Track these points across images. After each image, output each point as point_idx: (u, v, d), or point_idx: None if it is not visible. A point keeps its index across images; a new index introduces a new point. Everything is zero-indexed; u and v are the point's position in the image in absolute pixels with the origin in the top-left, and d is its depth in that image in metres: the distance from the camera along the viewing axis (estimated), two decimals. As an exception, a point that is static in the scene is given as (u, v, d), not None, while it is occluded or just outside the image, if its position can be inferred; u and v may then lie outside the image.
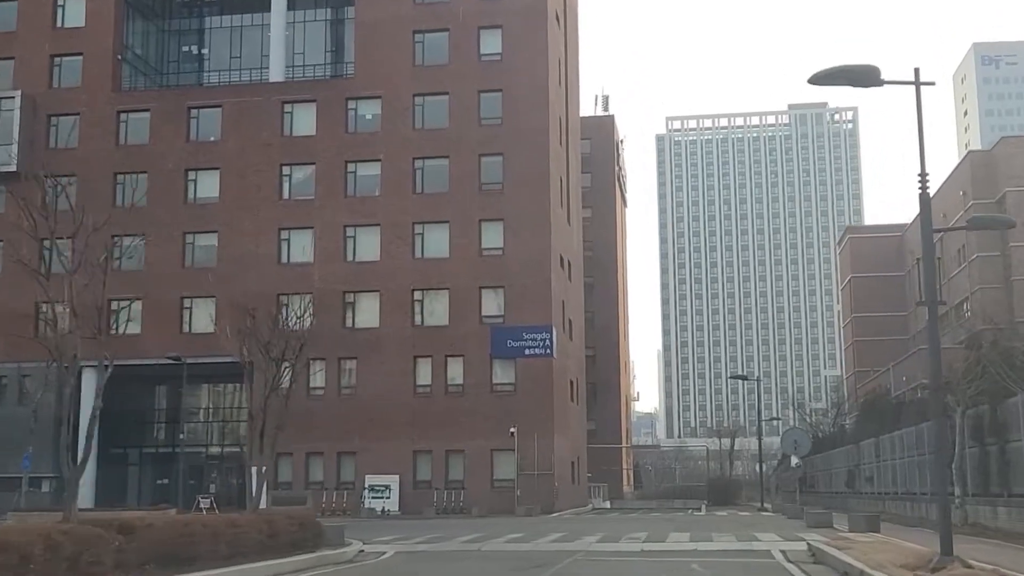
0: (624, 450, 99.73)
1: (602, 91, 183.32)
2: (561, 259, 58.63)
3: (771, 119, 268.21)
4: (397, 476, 53.06)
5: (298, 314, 35.22)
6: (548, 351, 53.51)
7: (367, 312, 55.19)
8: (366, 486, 52.78)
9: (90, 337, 20.84)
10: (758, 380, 58.20)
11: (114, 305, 39.30)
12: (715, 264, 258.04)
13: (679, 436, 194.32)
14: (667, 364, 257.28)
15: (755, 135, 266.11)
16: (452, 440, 53.27)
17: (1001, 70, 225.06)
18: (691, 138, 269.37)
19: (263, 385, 30.14)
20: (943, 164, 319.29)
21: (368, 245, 55.52)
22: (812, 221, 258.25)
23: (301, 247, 56.06)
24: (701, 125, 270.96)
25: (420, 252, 55.31)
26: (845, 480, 52.25)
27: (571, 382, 60.85)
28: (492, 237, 54.80)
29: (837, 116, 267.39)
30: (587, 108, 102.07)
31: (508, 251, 54.41)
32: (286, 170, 56.85)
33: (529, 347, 53.57)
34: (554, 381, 53.68)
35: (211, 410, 60.97)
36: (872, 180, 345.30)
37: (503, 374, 54.05)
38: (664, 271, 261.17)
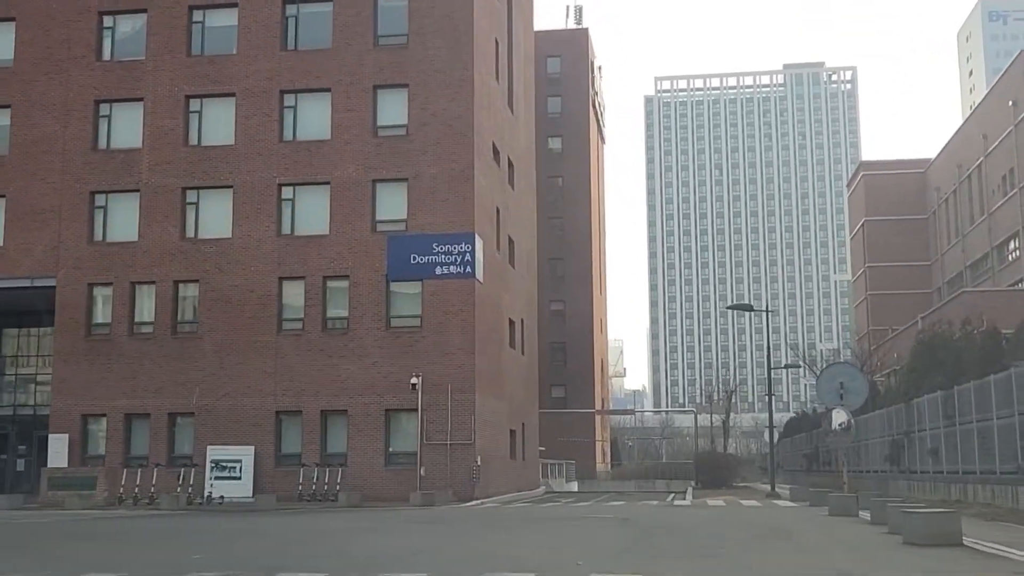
0: (597, 420, 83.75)
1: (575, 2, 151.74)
2: (495, 149, 42.51)
3: (765, 79, 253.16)
4: (251, 448, 37.06)
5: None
6: (468, 270, 37.45)
7: (215, 216, 39.07)
8: (210, 462, 36.78)
9: None
10: (767, 311, 41.77)
11: None
12: (705, 232, 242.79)
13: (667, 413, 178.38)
14: (654, 337, 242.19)
15: (749, 96, 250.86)
16: (331, 396, 37.32)
17: (1009, 26, 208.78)
18: (681, 99, 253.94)
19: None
20: (946, 131, 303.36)
21: (218, 123, 39.34)
22: (808, 186, 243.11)
23: (126, 127, 39.83)
24: (692, 86, 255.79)
25: (291, 132, 39.25)
26: (887, 454, 36.52)
27: (510, 321, 44.80)
28: (392, 110, 38.69)
29: (835, 76, 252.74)
30: (557, 21, 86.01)
31: (414, 130, 38.29)
32: (107, 20, 40.49)
33: (442, 264, 37.49)
34: (477, 315, 37.61)
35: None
36: (872, 143, 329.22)
37: (404, 304, 38.05)
38: (652, 239, 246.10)
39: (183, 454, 37.86)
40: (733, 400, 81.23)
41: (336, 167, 38.47)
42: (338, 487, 35.60)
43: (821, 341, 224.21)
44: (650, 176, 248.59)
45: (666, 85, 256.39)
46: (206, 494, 35.57)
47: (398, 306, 37.95)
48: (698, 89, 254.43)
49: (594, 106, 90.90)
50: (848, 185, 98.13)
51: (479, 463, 36.68)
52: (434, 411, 36.66)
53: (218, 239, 38.74)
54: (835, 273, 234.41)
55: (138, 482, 33.65)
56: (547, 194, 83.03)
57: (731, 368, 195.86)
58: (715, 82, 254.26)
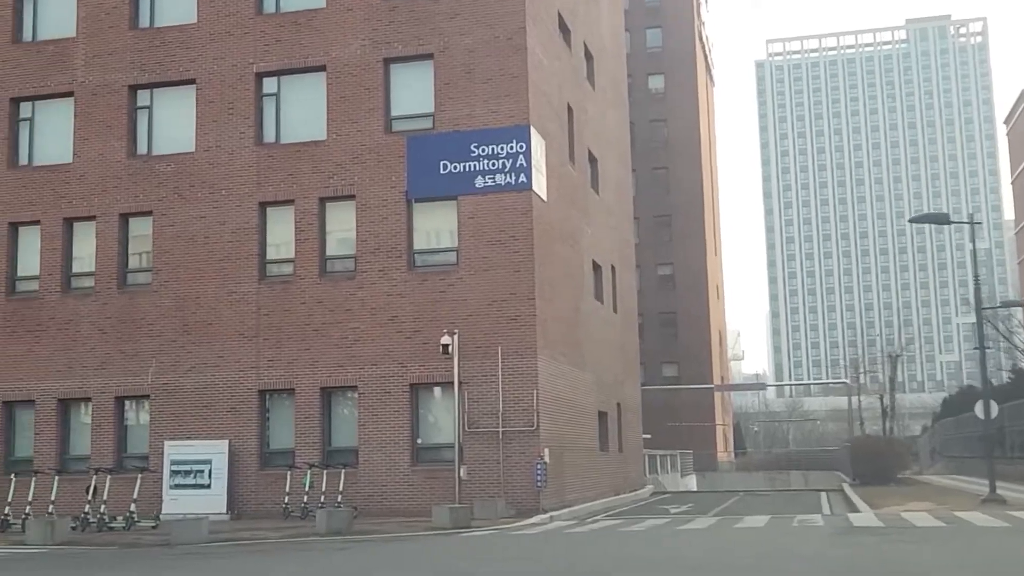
0: (718, 402, 71.24)
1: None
2: (562, 22, 30.78)
3: (885, 36, 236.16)
4: (226, 442, 26.10)
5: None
6: (522, 178, 25.84)
7: (172, 124, 28.21)
8: (170, 461, 25.99)
9: None
10: (972, 223, 29.07)
11: None
12: (826, 202, 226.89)
13: (791, 396, 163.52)
14: (775, 315, 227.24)
15: (868, 55, 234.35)
16: (334, 368, 26.13)
17: None
18: (795, 62, 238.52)
19: None
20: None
21: (175, -6, 28.47)
22: (937, 149, 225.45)
23: (56, 8, 29.26)
24: (805, 47, 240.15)
25: (272, 1, 28.11)
26: None
27: (595, 266, 33.03)
28: (410, -39, 27.25)
29: (963, 29, 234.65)
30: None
31: (441, -13, 26.82)
32: None
33: (484, 172, 25.97)
34: (538, 244, 26.03)
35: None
36: (1006, 102, 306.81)
37: (433, 232, 26.63)
38: (768, 212, 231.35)
39: (139, 453, 27.12)
40: (898, 368, 67.33)
41: (334, 45, 27.20)
42: (340, 497, 24.40)
43: (957, 315, 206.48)
44: (764, 145, 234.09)
45: (777, 48, 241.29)
46: (157, 512, 24.76)
47: (424, 236, 26.53)
48: (812, 50, 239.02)
49: (701, 39, 78.33)
50: (1006, 120, 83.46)
51: (546, 459, 25.07)
52: (479, 385, 25.20)
53: (177, 155, 27.83)
54: (969, 242, 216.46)
55: (31, 497, 22.85)
56: (649, 141, 71.04)
57: (859, 347, 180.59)
58: (830, 42, 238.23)
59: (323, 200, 26.84)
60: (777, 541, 16.44)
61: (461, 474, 24.38)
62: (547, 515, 24.02)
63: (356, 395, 26.08)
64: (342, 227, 26.85)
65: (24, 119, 29.04)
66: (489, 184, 25.91)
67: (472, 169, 26.01)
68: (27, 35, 29.37)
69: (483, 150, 26.00)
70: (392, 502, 25.09)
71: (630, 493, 34.84)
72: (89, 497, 22.41)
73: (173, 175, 27.67)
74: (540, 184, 26.54)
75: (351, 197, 26.65)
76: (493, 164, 25.93)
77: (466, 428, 24.98)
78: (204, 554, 16.78)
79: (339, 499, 24.38)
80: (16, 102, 28.95)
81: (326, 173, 26.81)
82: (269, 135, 27.56)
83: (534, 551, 16.06)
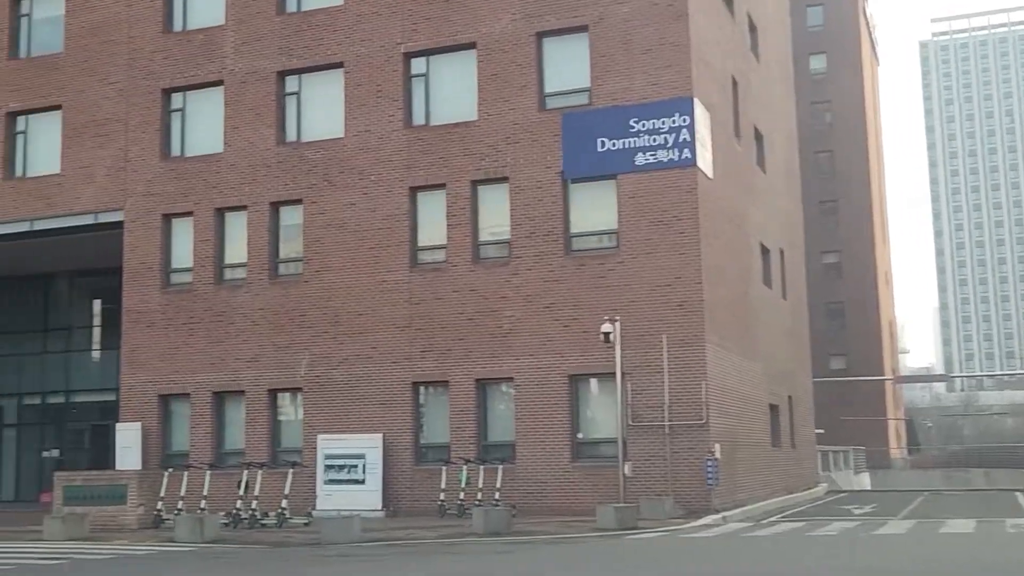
0: (889, 395, 67.57)
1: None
2: (724, -11, 28.87)
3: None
4: (379, 436, 25.15)
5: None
6: (686, 154, 24.08)
7: (321, 109, 27.50)
8: (323, 456, 25.24)
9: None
10: None
11: None
12: (997, 188, 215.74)
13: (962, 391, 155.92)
14: (943, 308, 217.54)
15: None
16: (489, 358, 24.89)
17: None
18: (961, 41, 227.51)
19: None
20: None
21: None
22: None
23: (205, -2, 28.96)
24: (972, 25, 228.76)
25: (420, -22, 27.11)
26: None
27: (763, 249, 30.95)
28: (562, -71, 25.77)
29: None
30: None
31: (596, -46, 25.26)
32: None
33: (645, 149, 24.32)
34: (703, 225, 24.23)
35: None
36: None
37: (591, 214, 25.09)
38: (935, 199, 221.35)
39: (292, 447, 26.46)
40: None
41: (483, 21, 25.95)
42: (497, 495, 23.13)
43: None
44: (930, 129, 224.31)
45: (942, 27, 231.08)
46: (311, 508, 24.02)
47: (582, 218, 25.02)
48: (980, 28, 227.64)
49: (864, 17, 74.60)
50: None
51: (717, 455, 23.25)
52: (643, 375, 23.57)
53: (326, 141, 27.06)
54: None
55: (183, 492, 22.34)
56: (811, 124, 67.82)
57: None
58: (999, 19, 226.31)
59: (475, 183, 25.63)
60: (1005, 551, 14.32)
61: (625, 471, 22.80)
62: (719, 515, 22.24)
63: (512, 387, 24.77)
64: (495, 211, 25.57)
65: (176, 110, 28.75)
66: (650, 161, 24.24)
67: (632, 146, 24.38)
68: (177, 25, 29.08)
69: (643, 125, 24.35)
70: (551, 500, 23.69)
71: (804, 492, 32.60)
72: (241, 493, 21.72)
73: (322, 162, 26.91)
74: (705, 160, 24.72)
75: (504, 179, 25.36)
76: (654, 140, 24.25)
77: (629, 422, 23.39)
78: (354, 556, 15.68)
79: (496, 497, 23.10)
80: (168, 93, 28.69)
81: (478, 155, 25.59)
82: (419, 117, 26.51)
83: (720, 557, 14.38)
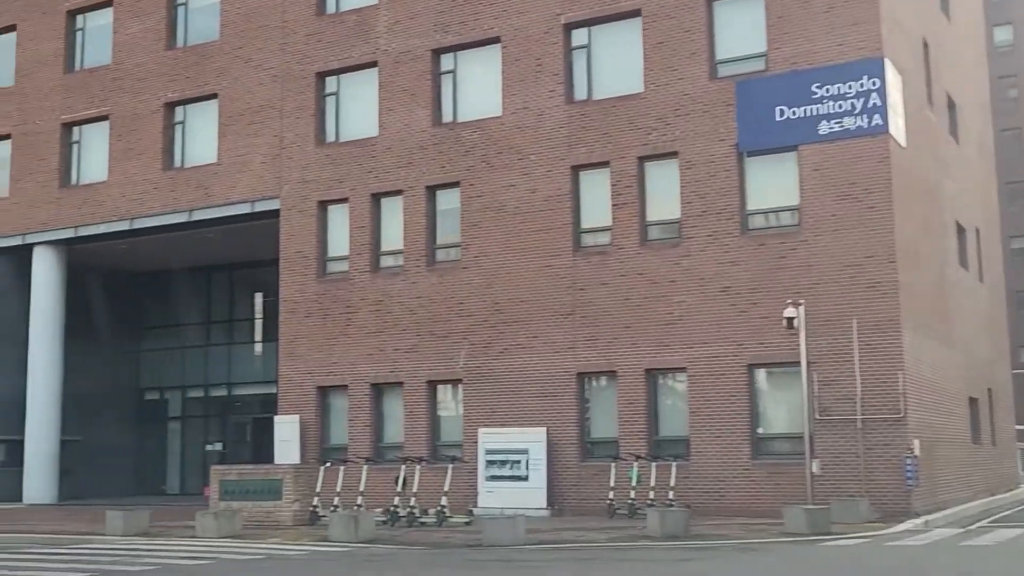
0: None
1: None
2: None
3: None
4: (543, 431, 23.67)
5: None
6: (877, 121, 21.78)
7: (477, 87, 26.23)
8: (484, 450, 23.95)
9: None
10: None
11: None
12: None
13: None
14: None
15: None
16: (659, 348, 23.12)
17: None
18: None
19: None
20: None
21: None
22: None
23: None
24: None
25: (580, -56, 25.49)
26: None
27: (959, 228, 28.18)
28: None
29: None
30: None
31: (771, -94, 23.18)
32: None
33: (830, 116, 22.15)
34: (897, 200, 21.89)
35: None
36: None
37: (769, 190, 22.99)
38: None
39: (452, 442, 25.27)
40: None
41: (650, -15, 24.18)
42: (671, 494, 21.37)
43: None
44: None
45: None
46: (471, 506, 22.78)
47: (759, 194, 22.97)
48: None
49: (1055, -17, 69.25)
50: None
51: (916, 452, 20.92)
52: (830, 364, 21.42)
53: (483, 120, 25.74)
54: None
55: (339, 487, 21.29)
56: (997, 99, 63.24)
57: None
58: None
59: (642, 160, 23.90)
60: None
61: (813, 469, 20.68)
62: (920, 520, 19.93)
63: (685, 378, 22.95)
64: (664, 189, 23.76)
65: (330, 94, 27.93)
66: (836, 129, 22.04)
67: (815, 113, 22.23)
68: (330, 7, 28.23)
69: (827, 90, 22.16)
70: (729, 500, 21.79)
71: (1006, 493, 29.67)
72: (399, 489, 20.56)
73: (480, 142, 25.61)
74: (898, 127, 22.36)
75: (673, 154, 23.54)
76: (840, 106, 22.03)
77: (816, 416, 21.26)
78: (521, 561, 14.19)
79: (670, 496, 21.34)
80: (322, 77, 27.89)
81: (644, 129, 23.84)
82: (580, 92, 24.93)
83: (950, 572, 12.33)
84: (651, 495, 21.47)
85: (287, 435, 26.83)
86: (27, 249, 31.85)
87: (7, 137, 32.69)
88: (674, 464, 21.78)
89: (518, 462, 23.74)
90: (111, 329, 34.71)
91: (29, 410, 31.11)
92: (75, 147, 31.83)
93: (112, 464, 34.23)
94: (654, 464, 21.95)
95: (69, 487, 31.89)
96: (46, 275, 31.56)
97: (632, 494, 21.56)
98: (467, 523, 20.11)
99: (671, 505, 20.82)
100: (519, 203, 24.93)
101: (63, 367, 31.62)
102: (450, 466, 21.04)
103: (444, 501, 20.28)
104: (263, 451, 30.22)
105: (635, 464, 21.92)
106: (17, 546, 17.82)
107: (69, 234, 31.11)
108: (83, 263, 32.56)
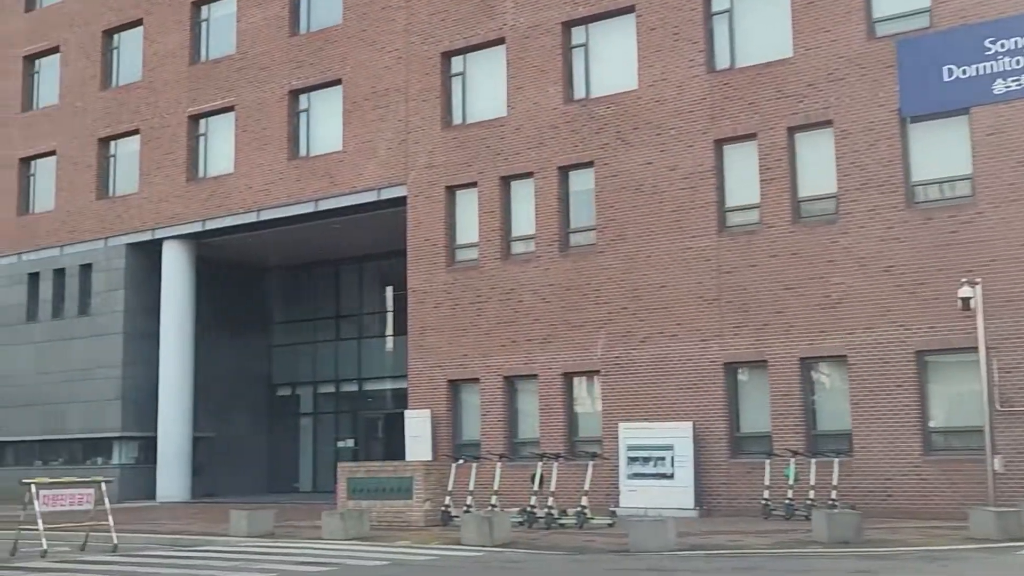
0: None
1: None
2: None
3: None
4: (689, 425, 21.97)
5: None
6: (1061, 75, 19.49)
7: (611, 61, 24.68)
8: (626, 446, 22.39)
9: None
10: None
11: None
12: None
13: None
14: None
15: None
16: (815, 334, 21.19)
17: None
18: None
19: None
20: None
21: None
22: None
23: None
24: None
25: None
26: None
27: None
28: None
29: None
30: None
31: None
32: None
33: (1005, 74, 19.90)
34: (1088, 161, 19.51)
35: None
36: None
37: (937, 158, 20.75)
38: None
39: (591, 437, 23.79)
40: None
41: (797, -60, 22.22)
42: (833, 493, 19.46)
43: None
44: None
45: None
46: (612, 506, 21.26)
47: (925, 163, 20.80)
48: None
49: None
50: None
51: (1116, 446, 18.55)
52: (1012, 349, 19.20)
53: (618, 95, 24.16)
54: None
55: (472, 486, 19.97)
56: None
57: None
58: None
59: (791, 130, 21.98)
60: None
61: (995, 466, 18.51)
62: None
63: (845, 367, 20.96)
64: (817, 161, 21.80)
65: (456, 74, 26.74)
66: (1013, 89, 19.78)
67: (988, 71, 20.00)
68: (456, -17, 27.06)
69: (1003, 45, 19.91)
70: (898, 501, 19.76)
71: None
72: (535, 488, 19.14)
73: (614, 118, 24.03)
74: (1084, 82, 19.95)
75: (827, 123, 21.57)
76: (1018, 62, 19.77)
77: (997, 407, 19.06)
78: (674, 570, 12.62)
79: (832, 496, 19.43)
80: (447, 57, 26.71)
81: (794, 97, 21.92)
82: (722, 60, 23.13)
83: None
84: (811, 495, 19.58)
85: (418, 430, 25.75)
86: (157, 244, 31.59)
87: (136, 132, 32.52)
88: (836, 461, 19.84)
89: (662, 459, 22.10)
90: (241, 324, 34.32)
91: (161, 406, 30.83)
92: (201, 139, 31.45)
93: (245, 461, 33.81)
94: (813, 461, 20.06)
95: (202, 485, 31.54)
96: (176, 270, 31.25)
97: (789, 494, 19.73)
98: (609, 525, 18.58)
99: (834, 506, 18.94)
100: (658, 181, 23.28)
101: (194, 363, 31.25)
102: (590, 463, 19.49)
103: (584, 501, 18.77)
104: (395, 447, 29.29)
105: (792, 461, 20.07)
106: (136, 548, 17.06)
107: (197, 227, 30.72)
108: (212, 257, 32.18)
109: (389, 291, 34.17)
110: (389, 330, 34.29)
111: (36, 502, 16.30)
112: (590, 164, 24.29)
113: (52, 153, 34.39)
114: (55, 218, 33.92)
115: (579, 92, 24.90)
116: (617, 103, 24.04)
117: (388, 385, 33.62)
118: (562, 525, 18.59)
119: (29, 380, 33.30)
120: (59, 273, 33.40)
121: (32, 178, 35.23)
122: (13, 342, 33.95)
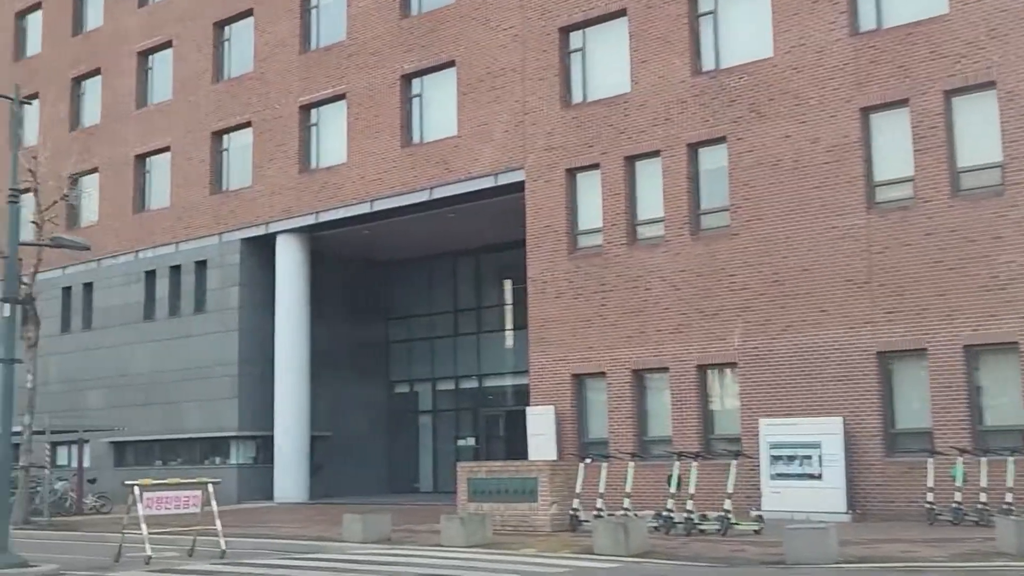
0: None
1: None
2: None
3: None
4: (838, 420, 20.02)
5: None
6: None
7: (743, 27, 22.85)
8: (768, 444, 20.57)
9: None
10: None
11: None
12: None
13: None
14: None
15: None
16: (981, 319, 19.05)
17: None
18: None
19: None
20: None
21: None
22: None
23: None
24: None
25: None
26: None
27: None
28: None
29: None
30: None
31: None
32: None
33: None
34: None
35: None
36: None
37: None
38: None
39: (728, 434, 22.03)
40: None
41: None
42: (1008, 496, 17.34)
43: None
44: None
45: None
46: (753, 511, 19.41)
47: (1108, 124, 18.51)
48: None
49: None
50: None
51: None
52: None
53: (751, 64, 22.31)
54: None
55: (602, 488, 18.37)
56: None
57: None
58: None
59: (948, 94, 19.84)
60: None
61: None
62: None
63: (1016, 355, 18.77)
64: (978, 127, 19.63)
65: (575, 50, 25.21)
66: None
67: None
68: (573, -46, 25.52)
69: None
70: (1082, 505, 17.53)
71: None
72: (672, 490, 17.47)
73: (748, 89, 22.19)
74: None
75: (989, 85, 19.41)
76: None
77: None
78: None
79: (1007, 499, 17.31)
80: (565, 32, 25.20)
81: (951, 58, 19.79)
82: (867, 20, 21.09)
83: None
84: (982, 498, 17.50)
85: (541, 428, 24.31)
86: (271, 238, 30.85)
87: (248, 125, 31.85)
88: (1010, 460, 17.68)
89: (809, 458, 20.20)
90: (357, 320, 33.41)
91: (277, 405, 30.04)
92: (313, 130, 30.58)
93: (363, 460, 32.87)
94: (983, 460, 17.94)
95: (320, 485, 30.68)
96: (290, 264, 30.45)
97: (957, 496, 17.67)
98: (756, 531, 16.80)
99: (1010, 511, 16.82)
100: (798, 156, 21.36)
101: (310, 360, 30.38)
102: (733, 462, 17.73)
103: (728, 505, 17.02)
104: (517, 446, 27.94)
105: (959, 460, 17.99)
106: (245, 554, 16.01)
107: (310, 220, 29.84)
108: (326, 252, 31.32)
109: (508, 283, 32.85)
110: (508, 324, 32.95)
111: (139, 505, 15.37)
112: (722, 140, 22.48)
113: (166, 149, 33.99)
114: (170, 214, 33.50)
115: (708, 63, 23.12)
116: (750, 73, 22.18)
117: (509, 381, 32.31)
118: (702, 531, 16.91)
119: (147, 379, 32.95)
120: (175, 270, 32.98)
121: (147, 175, 34.92)
122: (132, 341, 33.64)
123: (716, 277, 22.16)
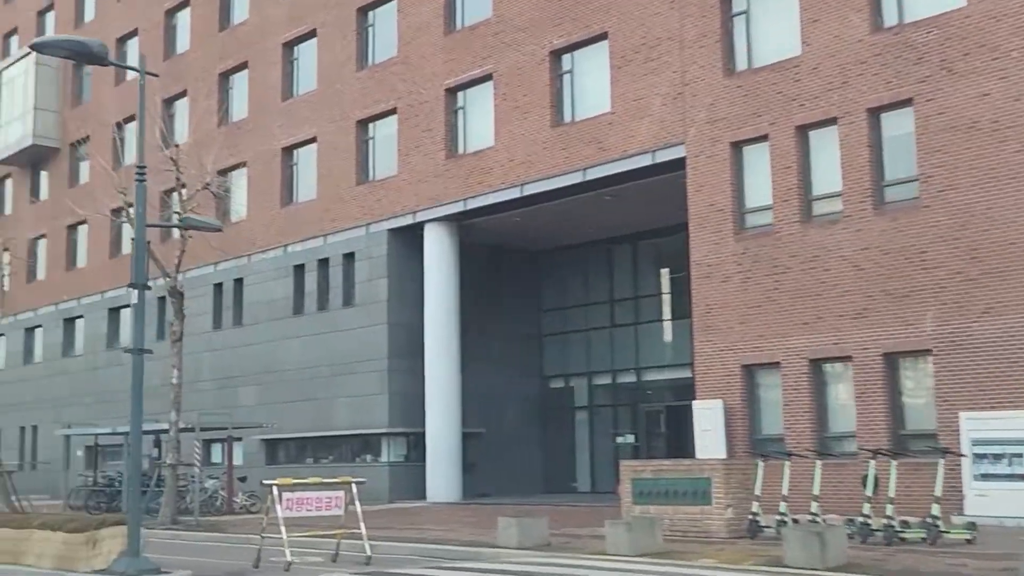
0: None
1: None
2: None
3: None
4: (1055, 413, 17.62)
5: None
6: None
7: (931, -26, 20.51)
8: (970, 441, 18.24)
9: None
10: None
11: None
12: None
13: None
14: None
15: None
16: None
17: None
18: None
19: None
20: None
21: None
22: None
23: None
24: None
25: None
26: None
27: None
28: None
29: None
30: None
31: None
32: None
33: None
34: None
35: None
36: None
37: None
38: None
39: (922, 430, 19.76)
40: None
41: None
42: None
43: None
44: None
45: None
46: (955, 516, 17.16)
47: None
48: None
49: None
50: None
51: None
52: None
53: (941, 15, 19.96)
54: None
55: (785, 489, 16.39)
56: None
57: None
58: None
59: None
60: None
61: None
62: None
63: None
64: None
65: (738, 13, 23.24)
66: None
67: None
68: (734, -90, 23.49)
69: None
70: None
71: None
72: (868, 493, 15.39)
73: (937, 44, 19.84)
74: None
75: None
76: None
77: None
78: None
79: None
80: (728, -5, 23.25)
81: None
82: (1080, -42, 18.53)
83: None
84: None
85: (708, 424, 22.43)
86: (419, 228, 29.75)
87: (393, 112, 30.84)
88: None
89: (1019, 456, 17.78)
90: (509, 311, 32.09)
91: (428, 401, 28.91)
92: (459, 113, 29.35)
93: (518, 459, 31.52)
94: None
95: (474, 484, 29.45)
96: (438, 254, 29.30)
97: None
98: (968, 540, 14.62)
99: None
100: (997, 117, 18.94)
101: (460, 354, 29.15)
102: (940, 462, 15.50)
103: (936, 510, 14.84)
104: (680, 443, 26.19)
105: None
106: (392, 560, 14.73)
107: (459, 207, 28.61)
108: (476, 241, 30.05)
109: (666, 271, 31.00)
110: (668, 314, 31.11)
111: (278, 506, 14.22)
112: (908, 103, 20.18)
113: (312, 140, 33.30)
114: (318, 206, 32.79)
115: (890, 18, 20.83)
116: (940, 26, 19.83)
117: (669, 375, 30.48)
118: (903, 539, 14.80)
119: (296, 375, 32.32)
120: (323, 264, 32.24)
121: (294, 167, 34.33)
122: (281, 336, 33.08)
123: (904, 255, 19.89)
